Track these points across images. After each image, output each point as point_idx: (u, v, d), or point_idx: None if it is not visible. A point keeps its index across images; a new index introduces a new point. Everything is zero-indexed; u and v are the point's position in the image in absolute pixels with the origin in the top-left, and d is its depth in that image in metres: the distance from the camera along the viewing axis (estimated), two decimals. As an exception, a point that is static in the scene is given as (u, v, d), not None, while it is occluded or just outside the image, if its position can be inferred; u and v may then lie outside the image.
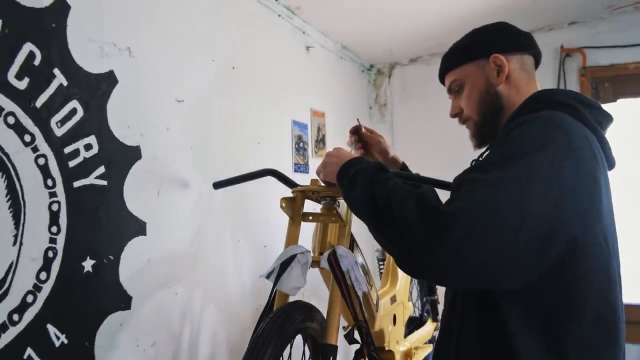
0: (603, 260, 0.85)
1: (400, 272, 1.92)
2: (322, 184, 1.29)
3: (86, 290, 1.23)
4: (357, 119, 1.41)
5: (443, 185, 1.07)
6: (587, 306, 0.84)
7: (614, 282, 0.87)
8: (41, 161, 1.14)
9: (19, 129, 1.10)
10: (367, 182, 0.93)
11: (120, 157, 1.34)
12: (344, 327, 1.33)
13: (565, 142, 0.83)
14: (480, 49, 1.05)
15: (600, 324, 0.84)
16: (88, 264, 1.23)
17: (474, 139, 1.10)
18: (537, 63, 1.08)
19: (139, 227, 1.39)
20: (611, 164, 0.95)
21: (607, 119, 0.98)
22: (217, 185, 1.57)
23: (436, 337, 1.91)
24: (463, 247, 0.75)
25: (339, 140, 2.62)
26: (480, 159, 1.06)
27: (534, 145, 0.83)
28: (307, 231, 1.41)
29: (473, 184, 0.80)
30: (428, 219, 0.78)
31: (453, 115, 1.13)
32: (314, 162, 2.45)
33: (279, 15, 2.22)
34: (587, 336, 0.83)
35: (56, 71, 1.18)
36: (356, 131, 1.46)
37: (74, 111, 1.22)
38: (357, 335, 1.29)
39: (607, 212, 0.88)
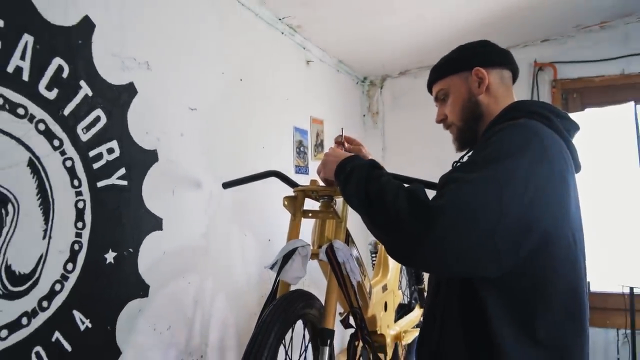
0: (570, 254, 0.86)
1: (390, 263, 1.92)
2: (322, 183, 1.29)
3: (108, 280, 1.23)
4: (342, 129, 1.42)
5: (429, 185, 1.07)
6: (555, 294, 0.84)
7: (580, 273, 0.87)
8: (68, 163, 1.14)
9: (49, 135, 1.10)
10: (361, 179, 0.93)
11: (139, 160, 1.34)
12: (340, 313, 1.34)
13: (540, 148, 0.83)
14: (464, 62, 1.05)
15: (567, 309, 0.85)
16: (110, 256, 1.23)
17: (456, 143, 1.10)
18: (514, 78, 1.08)
19: (155, 223, 1.39)
20: (578, 168, 0.95)
21: (575, 127, 0.98)
22: (226, 185, 1.58)
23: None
24: (446, 238, 0.75)
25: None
26: (461, 161, 1.06)
27: (512, 149, 0.83)
28: (307, 227, 1.41)
29: (457, 182, 0.80)
30: (417, 212, 0.78)
31: (438, 121, 1.13)
32: (314, 165, 2.44)
33: (282, 33, 2.22)
34: (555, 320, 0.83)
35: (82, 83, 1.18)
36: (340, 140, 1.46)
37: (97, 119, 1.22)
38: (352, 321, 1.29)
39: (575, 210, 0.89)
